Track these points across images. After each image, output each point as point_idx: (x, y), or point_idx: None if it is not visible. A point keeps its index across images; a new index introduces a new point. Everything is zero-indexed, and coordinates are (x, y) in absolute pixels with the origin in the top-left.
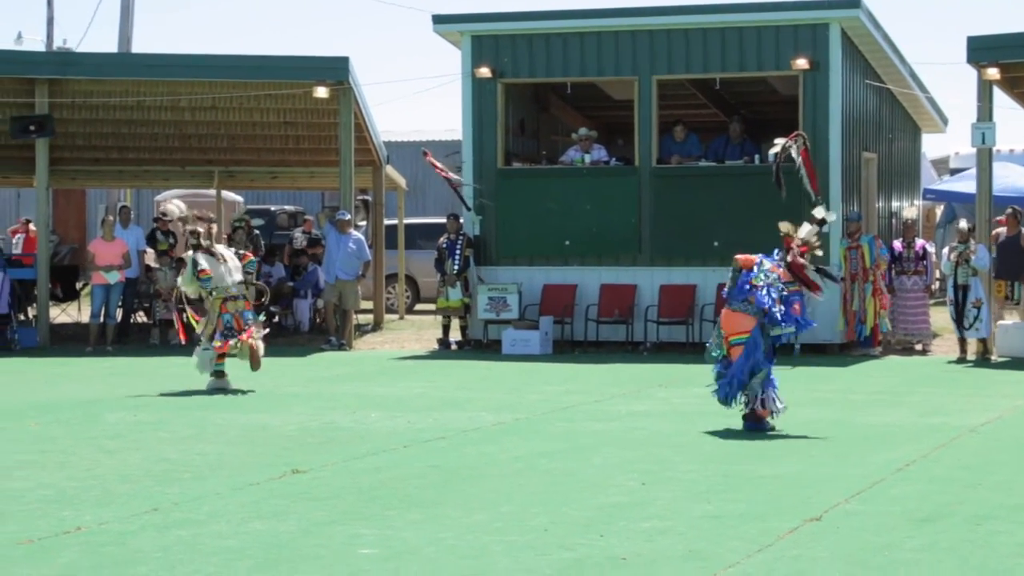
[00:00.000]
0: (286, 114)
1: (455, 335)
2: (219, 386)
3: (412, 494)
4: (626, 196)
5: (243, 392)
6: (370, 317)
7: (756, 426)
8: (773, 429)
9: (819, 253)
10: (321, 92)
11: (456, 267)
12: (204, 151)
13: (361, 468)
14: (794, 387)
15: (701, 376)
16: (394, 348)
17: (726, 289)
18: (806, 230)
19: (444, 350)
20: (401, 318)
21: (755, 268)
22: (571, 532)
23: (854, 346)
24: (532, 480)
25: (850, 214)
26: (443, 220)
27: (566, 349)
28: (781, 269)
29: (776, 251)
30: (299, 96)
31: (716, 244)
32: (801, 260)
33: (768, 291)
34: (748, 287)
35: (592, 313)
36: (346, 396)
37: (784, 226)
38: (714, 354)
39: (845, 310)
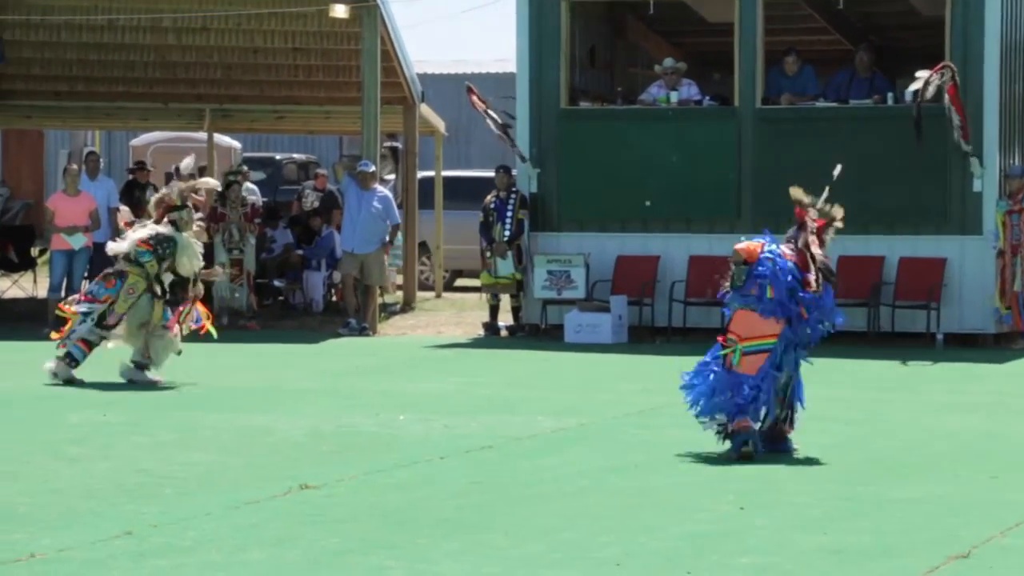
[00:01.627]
0: (296, 38)
1: (505, 318)
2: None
3: (450, 517)
4: (722, 144)
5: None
6: (399, 295)
7: (779, 446)
8: (796, 450)
9: (839, 224)
10: (339, 11)
11: (507, 233)
12: (192, 84)
13: (386, 484)
14: (933, 388)
15: (816, 373)
16: (429, 334)
17: (726, 290)
18: (822, 198)
19: (491, 337)
20: (438, 296)
21: (763, 257)
22: (649, 568)
23: (1015, 337)
24: (600, 501)
25: (1011, 169)
26: (490, 174)
27: (645, 337)
28: (792, 255)
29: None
30: (312, 16)
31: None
32: (816, 250)
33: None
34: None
35: (678, 292)
36: (368, 393)
37: (796, 192)
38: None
39: (1003, 291)
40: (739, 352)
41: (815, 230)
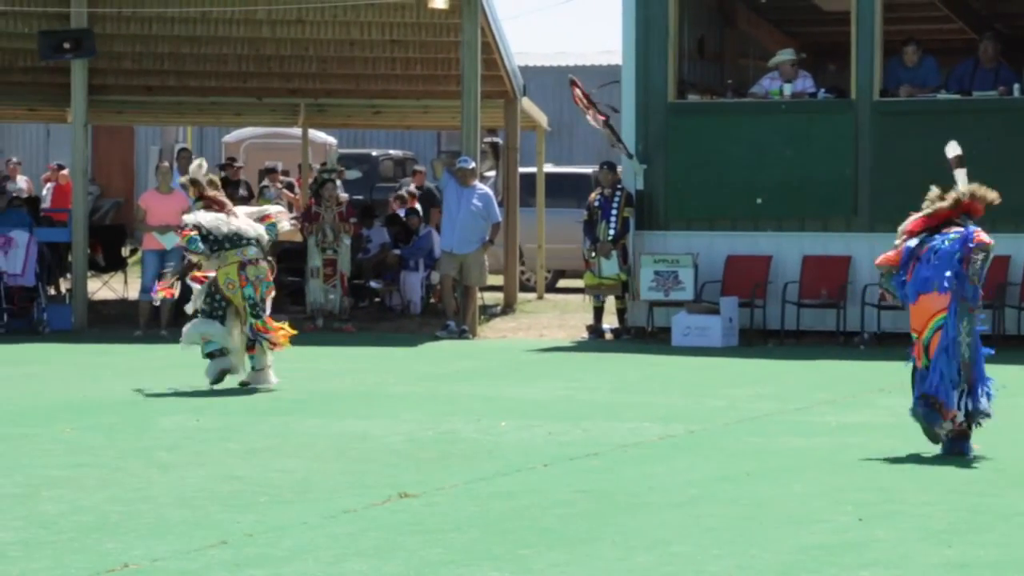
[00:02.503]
0: (393, 30)
1: (610, 321)
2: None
3: (554, 527)
4: (838, 139)
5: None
6: (499, 296)
7: (960, 446)
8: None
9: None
10: (439, 1)
11: (612, 232)
12: (287, 78)
13: (488, 493)
14: None
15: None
16: (530, 337)
17: (889, 295)
18: (963, 177)
19: (596, 340)
20: (540, 298)
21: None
22: None
23: None
24: (711, 512)
25: None
26: (594, 170)
27: (756, 340)
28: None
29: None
30: (410, 7)
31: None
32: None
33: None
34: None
35: (791, 294)
36: (468, 398)
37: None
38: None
39: None
40: (923, 346)
41: (968, 215)
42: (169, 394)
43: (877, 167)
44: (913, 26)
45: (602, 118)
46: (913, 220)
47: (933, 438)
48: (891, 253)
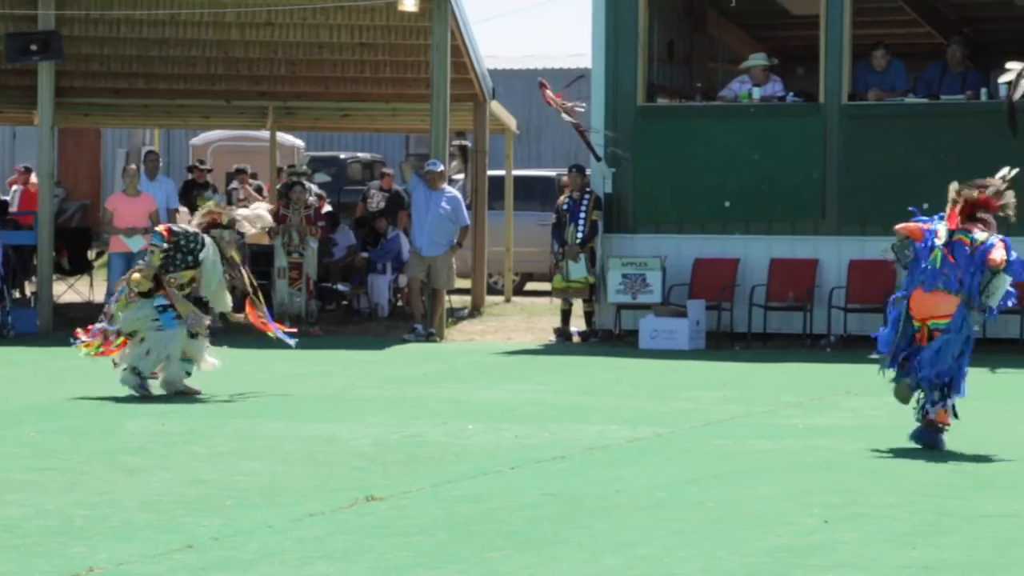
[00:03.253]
0: (362, 33)
1: (577, 324)
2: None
3: (521, 530)
4: (807, 142)
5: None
6: (467, 299)
7: (933, 437)
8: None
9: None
10: (408, 4)
11: (580, 235)
12: (256, 80)
13: (455, 495)
14: None
15: None
16: (498, 340)
17: (900, 266)
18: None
19: (563, 343)
20: (507, 301)
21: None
22: None
23: None
24: (679, 514)
25: None
26: (562, 172)
27: (723, 343)
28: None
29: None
30: (380, 9)
31: (927, 206)
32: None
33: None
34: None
35: (759, 297)
36: (435, 402)
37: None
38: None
39: None
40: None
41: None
42: (134, 398)
43: (845, 171)
44: (881, 30)
45: (574, 118)
46: (950, 208)
47: (904, 397)
48: (914, 225)
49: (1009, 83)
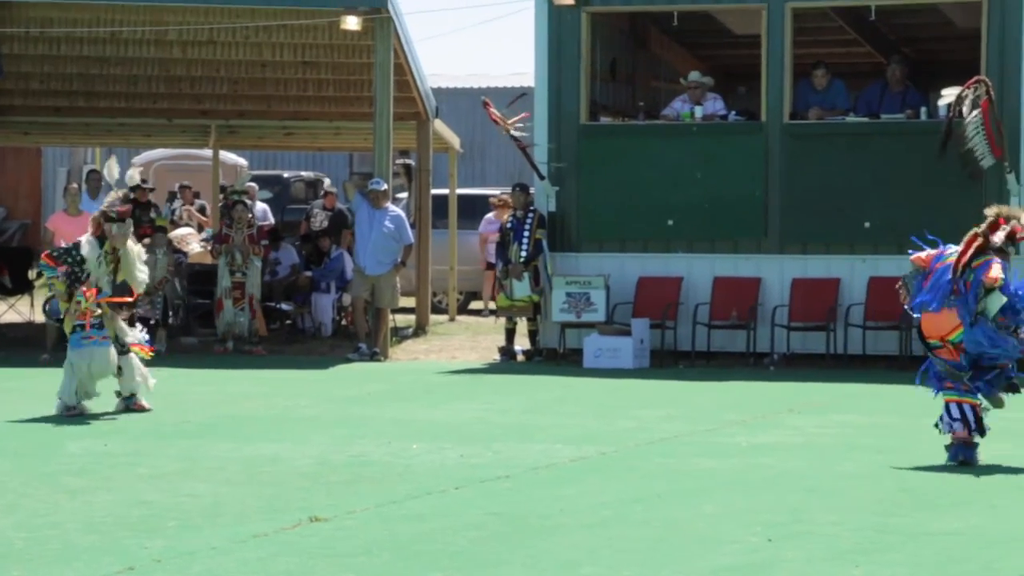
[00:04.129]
0: (305, 51)
1: (522, 343)
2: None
3: (465, 550)
4: (749, 161)
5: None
6: (411, 318)
7: (968, 454)
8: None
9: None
10: (351, 23)
11: (523, 254)
12: (198, 99)
13: (399, 516)
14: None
15: (844, 398)
16: (442, 359)
17: (906, 298)
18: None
19: (507, 362)
20: (452, 320)
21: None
22: None
23: None
24: (623, 533)
25: None
26: (506, 191)
27: (667, 362)
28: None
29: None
30: (322, 28)
31: (867, 225)
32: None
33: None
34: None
35: (702, 315)
36: (379, 421)
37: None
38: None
39: None
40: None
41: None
42: (76, 419)
43: (787, 189)
44: (822, 49)
45: (520, 135)
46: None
47: (997, 403)
48: (924, 256)
49: (949, 105)
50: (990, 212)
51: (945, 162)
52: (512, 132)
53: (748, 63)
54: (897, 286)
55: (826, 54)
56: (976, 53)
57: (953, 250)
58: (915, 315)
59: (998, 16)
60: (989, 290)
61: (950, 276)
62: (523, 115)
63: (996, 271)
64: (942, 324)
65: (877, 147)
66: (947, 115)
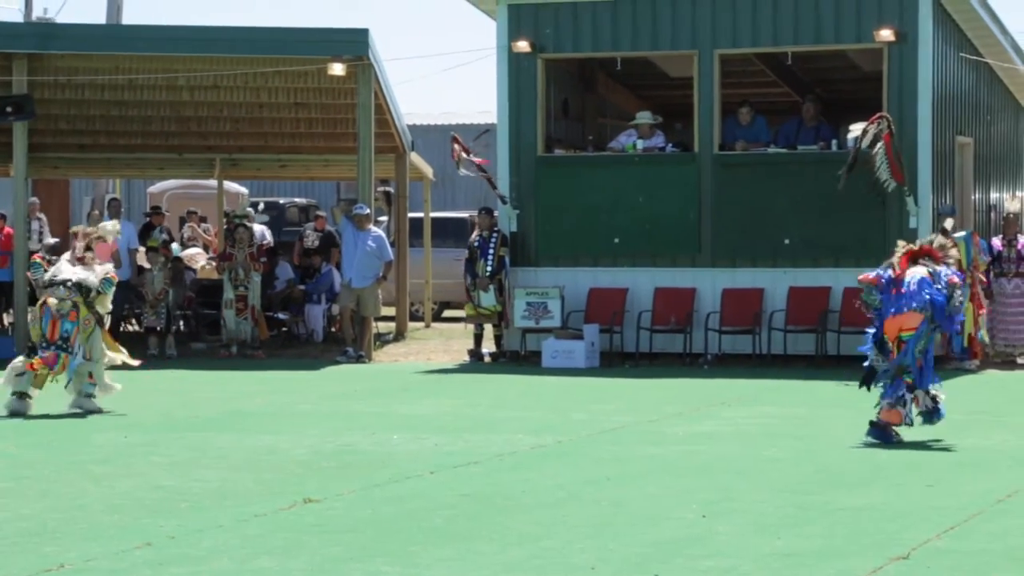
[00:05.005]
0: (297, 94)
1: (488, 346)
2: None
3: (440, 527)
4: (684, 187)
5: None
6: (392, 325)
7: (881, 435)
8: (899, 441)
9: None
10: (337, 69)
11: (489, 269)
12: (204, 136)
13: (382, 497)
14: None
15: (769, 392)
16: (419, 360)
17: (869, 310)
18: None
19: (476, 363)
20: (427, 326)
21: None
22: (621, 571)
23: (947, 359)
24: (576, 511)
25: (942, 207)
26: (471, 214)
27: (615, 362)
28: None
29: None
30: (312, 74)
31: (787, 242)
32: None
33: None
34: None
35: (645, 321)
36: (365, 415)
37: (939, 240)
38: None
39: None
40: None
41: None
42: (101, 415)
43: (717, 211)
44: (746, 90)
45: (479, 164)
46: (899, 257)
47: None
48: (871, 275)
49: (855, 139)
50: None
51: (852, 187)
52: (462, 168)
53: (683, 102)
54: (857, 305)
55: (750, 94)
56: (879, 93)
57: (891, 269)
58: (876, 321)
59: (897, 61)
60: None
61: (925, 286)
62: (474, 157)
63: (955, 277)
64: (905, 321)
65: (794, 175)
66: (853, 146)
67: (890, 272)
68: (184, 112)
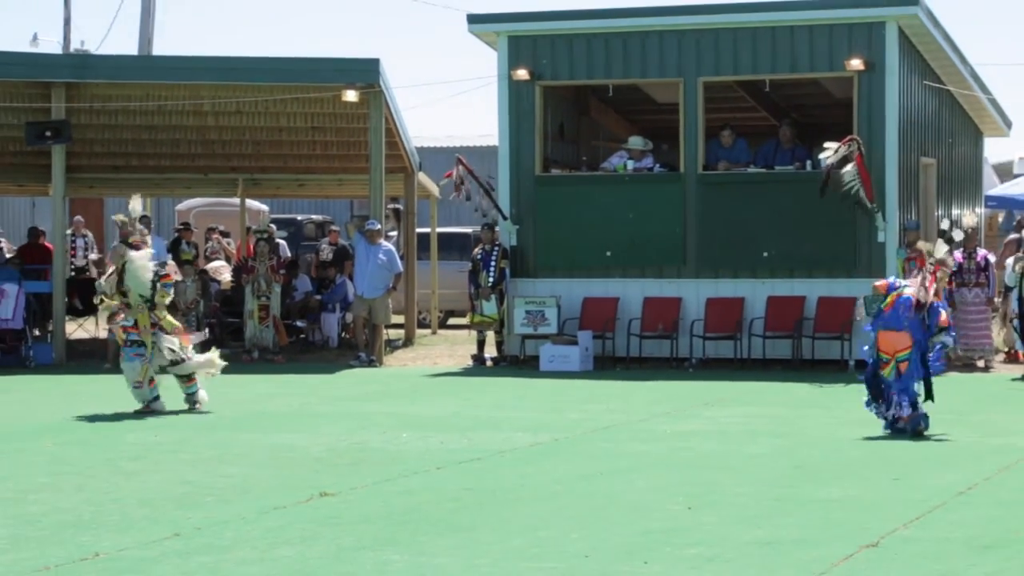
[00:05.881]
0: (314, 119)
1: (490, 351)
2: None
3: (445, 518)
4: (670, 204)
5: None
6: (401, 332)
7: (915, 427)
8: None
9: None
10: (350, 95)
11: (491, 279)
12: (228, 158)
13: (392, 491)
14: (849, 406)
15: (750, 394)
16: (426, 365)
17: (864, 316)
18: (943, 249)
19: (479, 367)
20: (434, 333)
21: (896, 287)
22: (613, 559)
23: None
24: (571, 504)
25: (908, 223)
26: (475, 229)
27: (607, 366)
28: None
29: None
30: (327, 100)
31: (765, 255)
32: (932, 297)
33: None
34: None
35: (635, 328)
36: (376, 415)
37: (924, 245)
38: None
39: None
40: (895, 364)
41: (932, 272)
42: (132, 415)
43: (701, 226)
44: (728, 114)
45: (483, 187)
46: (925, 274)
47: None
48: (882, 282)
49: (828, 159)
50: (922, 247)
51: (826, 204)
52: (460, 196)
53: (669, 125)
54: (857, 304)
55: (731, 118)
56: (849, 117)
57: (903, 283)
58: (870, 330)
59: (866, 88)
60: (940, 329)
61: (913, 312)
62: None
63: (944, 317)
64: (897, 342)
65: (772, 193)
66: (825, 166)
67: (896, 283)
68: (209, 136)
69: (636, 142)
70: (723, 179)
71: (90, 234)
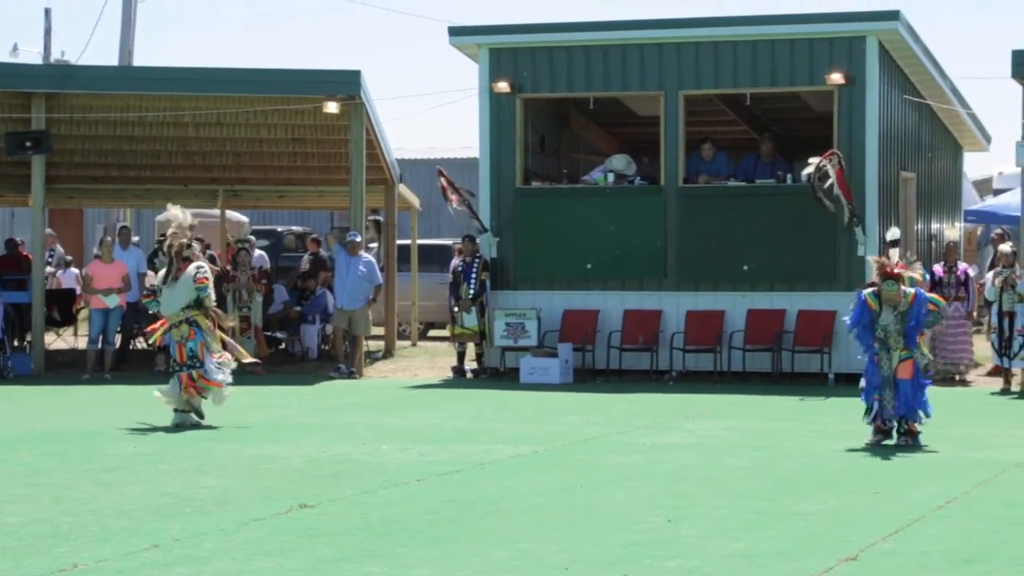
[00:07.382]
0: (294, 130)
1: (470, 363)
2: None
3: (425, 530)
4: (651, 217)
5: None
6: (381, 344)
7: (916, 441)
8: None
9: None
10: (331, 107)
11: (471, 291)
12: (208, 169)
13: (372, 503)
14: (827, 419)
15: (729, 407)
16: (406, 376)
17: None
18: (896, 254)
19: (459, 378)
20: (414, 345)
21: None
22: (593, 571)
23: None
24: (551, 516)
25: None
26: (455, 241)
27: (587, 378)
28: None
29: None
30: (308, 111)
31: (746, 268)
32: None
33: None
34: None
35: (615, 340)
36: (356, 427)
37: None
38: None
39: None
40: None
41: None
42: (112, 427)
43: (681, 239)
44: (708, 128)
45: (458, 199)
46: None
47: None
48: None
49: (809, 174)
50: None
51: (806, 218)
52: (454, 205)
53: (649, 138)
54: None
55: (711, 132)
56: (830, 131)
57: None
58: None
59: (847, 102)
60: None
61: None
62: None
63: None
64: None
65: (752, 206)
66: (808, 180)
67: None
68: (190, 147)
69: (619, 163)
70: (703, 192)
71: (59, 247)
